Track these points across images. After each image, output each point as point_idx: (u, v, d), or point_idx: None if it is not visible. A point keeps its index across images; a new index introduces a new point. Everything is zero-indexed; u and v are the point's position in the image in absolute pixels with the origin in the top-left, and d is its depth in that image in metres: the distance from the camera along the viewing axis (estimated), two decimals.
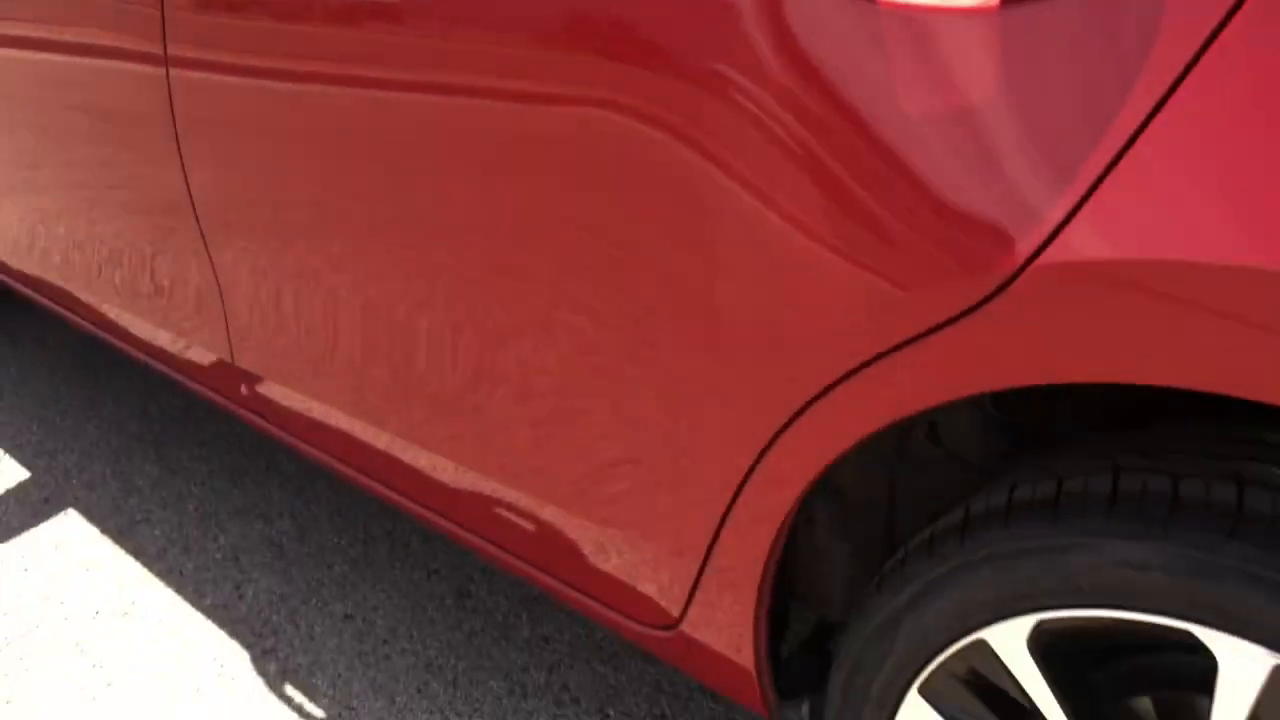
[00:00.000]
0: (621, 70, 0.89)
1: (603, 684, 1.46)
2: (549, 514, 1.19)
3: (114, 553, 1.73)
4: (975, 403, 0.97)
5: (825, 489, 1.00)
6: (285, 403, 1.47)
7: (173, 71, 1.34)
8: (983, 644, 0.87)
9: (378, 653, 1.52)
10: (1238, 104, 0.63)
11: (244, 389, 1.54)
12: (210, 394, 1.63)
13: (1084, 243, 0.68)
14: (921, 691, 0.94)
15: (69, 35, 1.52)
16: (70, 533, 1.79)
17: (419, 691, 1.46)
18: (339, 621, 1.58)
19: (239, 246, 1.39)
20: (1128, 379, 0.70)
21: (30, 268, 1.94)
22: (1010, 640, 0.85)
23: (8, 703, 1.46)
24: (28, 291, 2.02)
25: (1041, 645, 0.85)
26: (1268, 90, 0.62)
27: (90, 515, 1.83)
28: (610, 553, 1.15)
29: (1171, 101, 0.65)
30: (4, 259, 2.02)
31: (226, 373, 1.55)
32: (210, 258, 1.45)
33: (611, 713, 1.42)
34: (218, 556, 1.72)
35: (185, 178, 1.42)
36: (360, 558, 1.71)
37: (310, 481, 1.89)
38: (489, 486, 1.24)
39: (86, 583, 1.67)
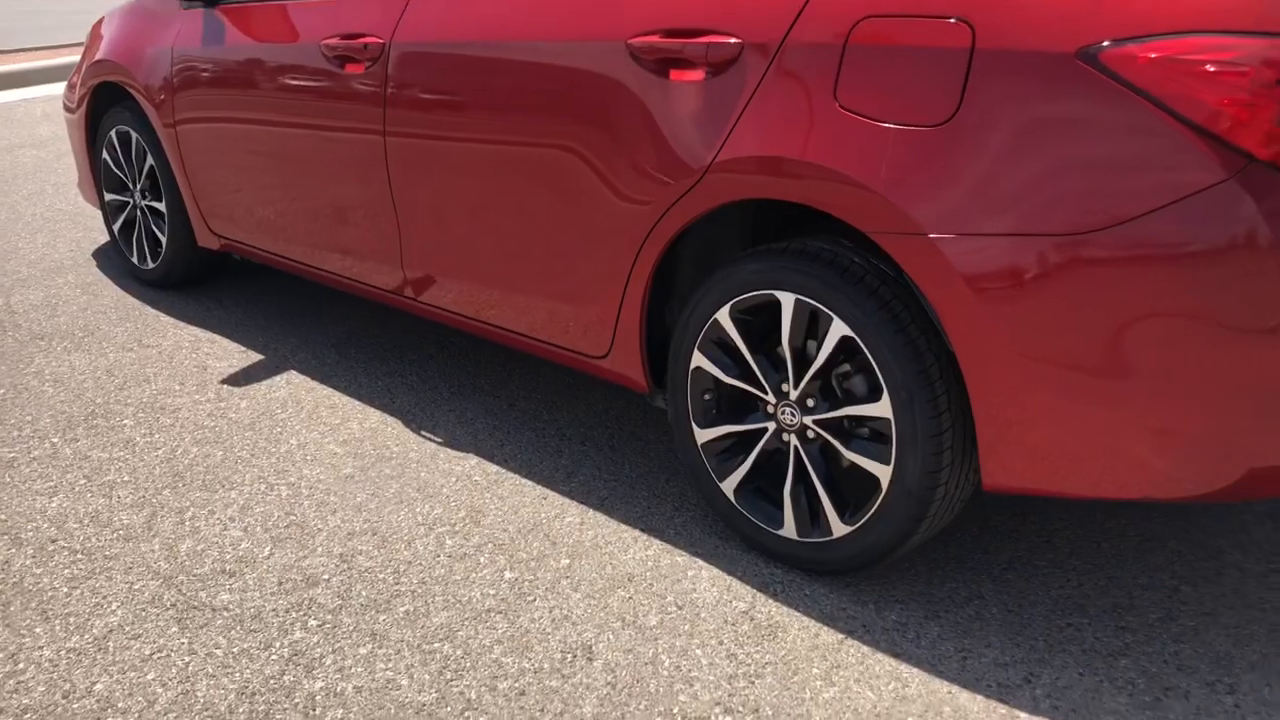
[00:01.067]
0: (548, 124, 2.36)
1: (582, 407, 2.86)
2: (533, 306, 2.62)
3: (320, 394, 3.17)
4: (736, 225, 2.39)
5: (667, 279, 2.43)
6: (426, 295, 2.92)
7: (389, 137, 2.83)
8: (715, 321, 2.28)
9: (525, 421, 2.93)
10: (775, 113, 2.08)
11: (405, 285, 3.00)
12: (378, 295, 3.09)
13: (727, 155, 2.13)
14: (699, 348, 2.34)
15: (321, 116, 3.03)
16: (286, 380, 3.22)
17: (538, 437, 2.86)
18: (487, 398, 2.99)
19: (413, 216, 2.86)
20: (768, 195, 2.13)
21: (270, 245, 3.43)
22: (724, 316, 2.26)
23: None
24: (264, 257, 3.50)
25: (734, 316, 2.26)
26: (782, 107, 2.07)
27: (301, 372, 3.27)
28: (569, 322, 2.57)
29: (751, 106, 2.10)
30: (259, 242, 3.50)
31: (396, 279, 3.01)
32: (398, 222, 2.92)
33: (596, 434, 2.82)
34: (379, 382, 3.15)
35: (390, 183, 2.90)
36: (472, 387, 3.13)
37: (428, 335, 3.33)
38: (504, 301, 2.68)
39: (305, 414, 3.10)
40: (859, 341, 2.05)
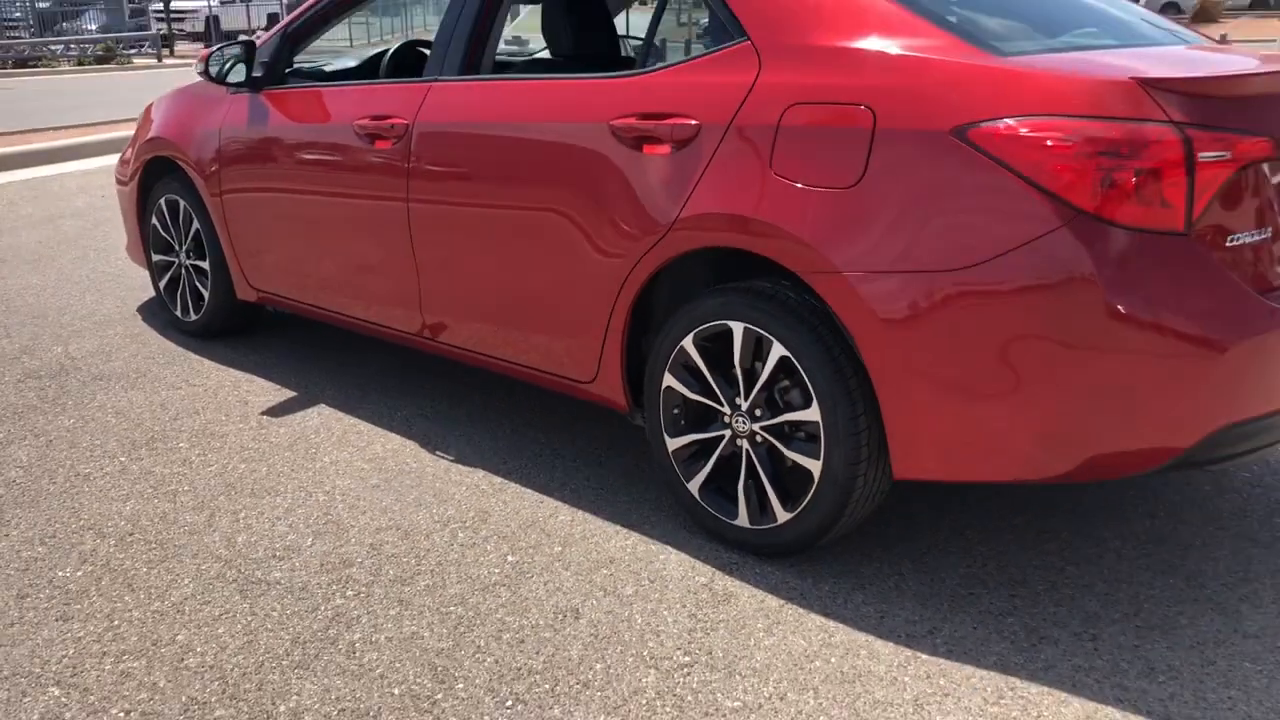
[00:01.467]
0: (544, 190, 2.89)
1: (564, 425, 3.35)
2: (531, 342, 3.12)
3: (346, 421, 3.66)
4: (701, 268, 2.89)
5: (645, 315, 2.94)
6: (442, 335, 3.43)
7: (412, 203, 3.36)
8: (682, 347, 2.78)
9: (512, 432, 3.42)
10: (725, 179, 2.61)
11: (424, 328, 3.50)
12: (399, 337, 3.60)
13: (689, 213, 2.65)
14: (669, 370, 2.83)
15: (348, 186, 3.56)
16: (317, 412, 3.71)
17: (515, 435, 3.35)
18: (492, 424, 3.48)
19: (431, 269, 3.37)
20: (722, 245, 2.64)
21: (303, 296, 3.94)
22: (689, 343, 2.76)
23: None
24: (301, 308, 4.01)
25: (697, 343, 2.76)
26: (730, 175, 2.60)
27: (330, 405, 3.76)
28: (561, 354, 3.07)
29: (706, 174, 2.63)
30: (295, 294, 4.02)
31: (415, 324, 3.51)
32: (418, 271, 3.43)
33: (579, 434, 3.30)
34: (398, 416, 3.64)
35: (411, 242, 3.42)
36: (479, 407, 3.63)
37: (449, 373, 3.83)
38: (507, 338, 3.18)
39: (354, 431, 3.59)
40: (794, 361, 2.54)
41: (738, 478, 2.74)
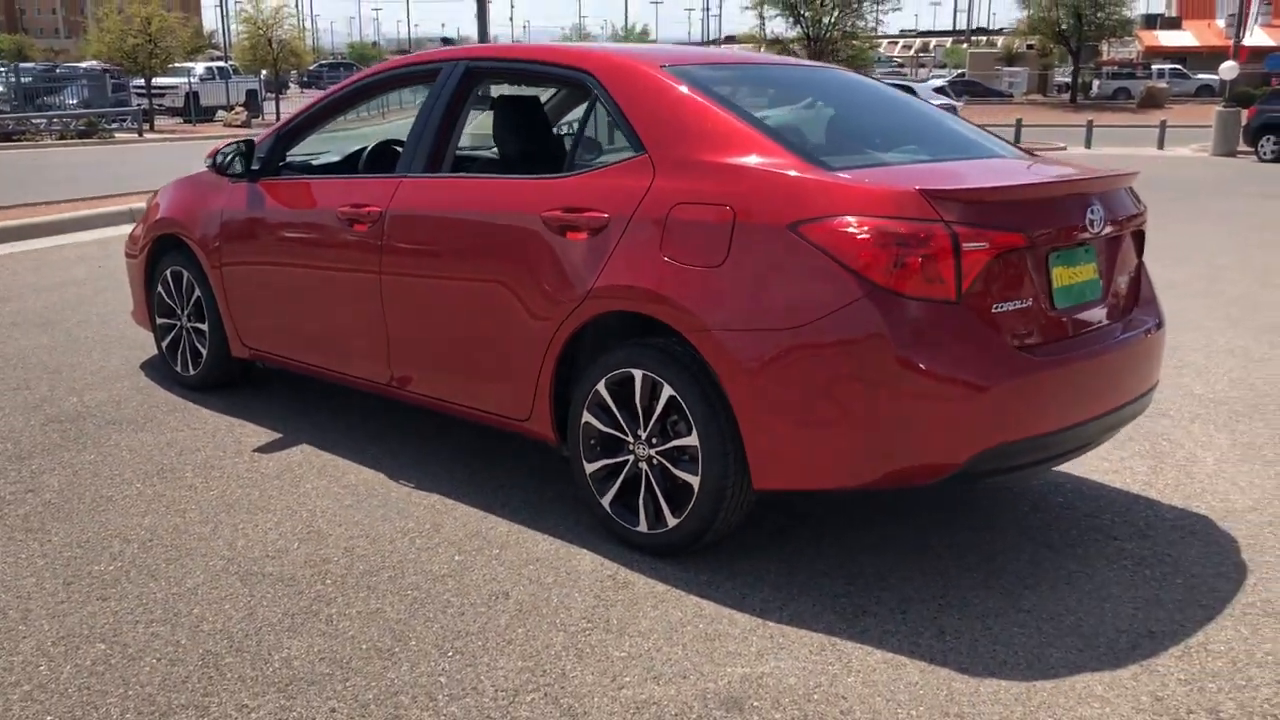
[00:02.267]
0: (490, 266, 3.66)
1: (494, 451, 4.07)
2: (480, 389, 3.86)
3: (331, 461, 4.37)
4: (617, 325, 3.63)
5: (570, 364, 3.68)
6: (407, 386, 4.15)
7: (384, 275, 4.11)
8: (597, 390, 3.52)
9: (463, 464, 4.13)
10: (627, 259, 3.37)
11: (391, 379, 4.23)
12: (371, 387, 4.32)
13: (601, 284, 3.41)
14: (587, 409, 3.57)
15: (330, 261, 4.32)
16: (300, 449, 4.41)
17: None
18: (447, 461, 4.19)
19: (398, 329, 4.11)
20: (625, 309, 3.40)
21: (290, 352, 4.66)
22: (602, 387, 3.50)
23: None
24: (288, 363, 4.73)
25: (608, 387, 3.50)
26: (631, 256, 3.37)
27: (311, 444, 4.46)
28: (503, 398, 3.81)
29: (613, 255, 3.39)
30: (282, 351, 4.74)
31: (384, 376, 4.24)
32: (387, 331, 4.17)
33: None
34: (365, 446, 4.35)
35: (383, 308, 4.16)
36: (434, 441, 4.34)
37: (404, 417, 4.55)
38: (460, 387, 3.91)
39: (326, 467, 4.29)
40: (680, 399, 3.29)
41: (639, 493, 3.46)
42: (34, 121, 26.72)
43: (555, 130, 4.44)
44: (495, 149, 4.52)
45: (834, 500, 3.89)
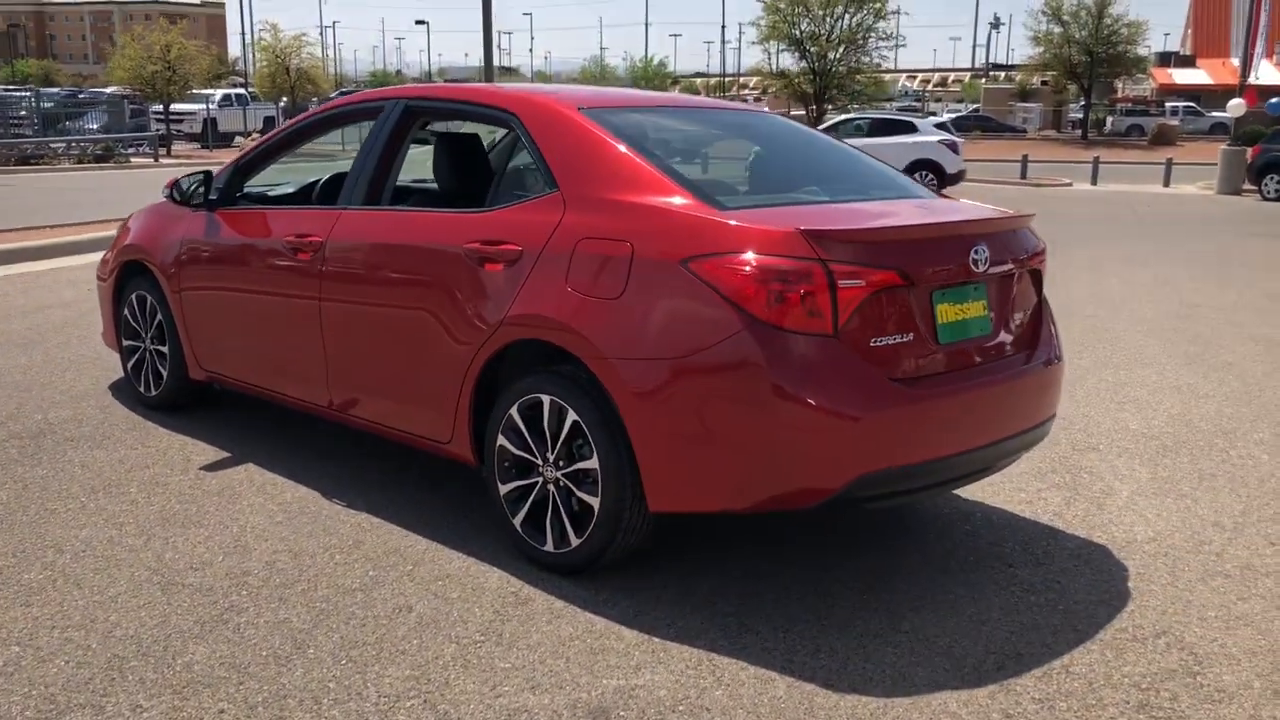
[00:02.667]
0: (417, 294, 3.84)
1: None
2: (409, 412, 4.03)
3: (272, 477, 4.54)
4: (529, 352, 3.80)
5: (488, 387, 3.85)
6: (342, 403, 4.34)
7: (324, 301, 4.31)
8: (510, 415, 3.69)
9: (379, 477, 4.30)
10: (536, 290, 3.55)
11: (331, 402, 4.41)
12: (316, 410, 4.50)
13: (513, 313, 3.59)
14: (501, 432, 3.73)
15: (276, 287, 4.51)
16: (245, 468, 4.59)
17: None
18: (377, 481, 4.36)
19: (336, 354, 4.30)
20: (534, 337, 3.58)
21: (242, 375, 4.86)
22: (515, 411, 3.67)
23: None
24: (241, 386, 4.92)
25: (520, 412, 3.66)
26: (540, 287, 3.55)
27: (257, 464, 4.64)
28: (429, 421, 3.98)
29: (525, 286, 3.57)
30: (236, 374, 4.93)
31: (325, 398, 4.42)
32: (326, 355, 4.36)
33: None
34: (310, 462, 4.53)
35: (322, 333, 4.35)
36: (371, 450, 4.52)
37: (346, 437, 4.72)
38: (391, 410, 4.09)
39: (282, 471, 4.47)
40: (582, 424, 3.46)
41: (547, 514, 3.62)
42: (52, 146, 27.24)
43: (487, 167, 4.62)
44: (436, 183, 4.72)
45: (741, 523, 4.04)
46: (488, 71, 20.38)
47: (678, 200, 3.40)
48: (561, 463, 3.56)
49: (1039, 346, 3.85)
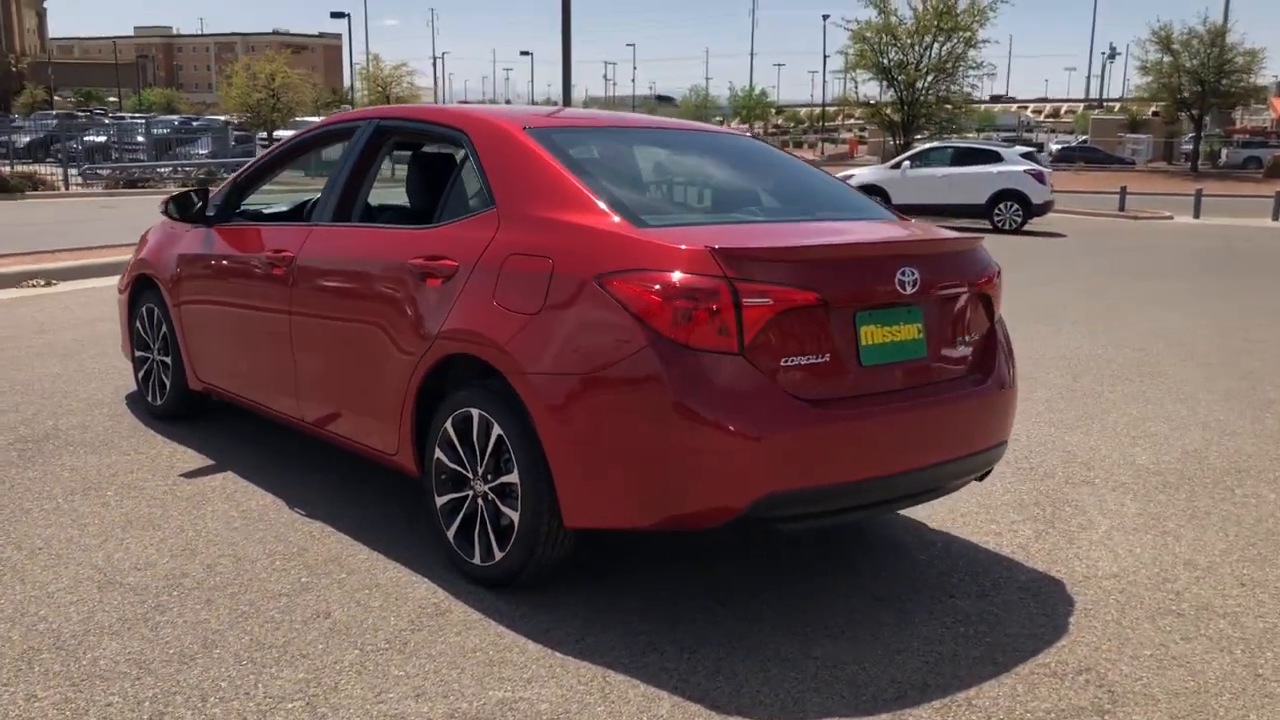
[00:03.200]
0: (370, 307, 3.92)
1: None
2: (364, 425, 4.10)
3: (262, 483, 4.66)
4: (463, 366, 3.84)
5: (430, 400, 3.90)
6: (310, 416, 4.44)
7: (293, 315, 4.42)
8: (445, 428, 3.73)
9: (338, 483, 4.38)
10: (468, 305, 3.60)
11: (304, 416, 4.51)
12: (287, 420, 4.61)
13: (447, 328, 3.64)
14: (437, 446, 3.78)
15: (256, 301, 4.64)
16: (224, 476, 4.72)
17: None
18: (335, 492, 4.44)
19: (305, 364, 4.41)
20: (465, 352, 3.62)
21: (229, 387, 5.00)
22: (449, 425, 3.71)
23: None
24: (229, 397, 5.07)
25: (453, 425, 3.70)
26: (471, 302, 3.59)
27: (236, 472, 4.77)
28: (382, 434, 4.05)
29: (458, 300, 3.62)
30: (225, 385, 5.08)
31: (300, 414, 4.53)
32: (295, 369, 4.47)
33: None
34: (287, 472, 4.63)
35: (291, 345, 4.46)
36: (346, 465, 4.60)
37: (331, 455, 4.82)
38: (350, 422, 4.17)
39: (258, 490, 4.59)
40: (505, 438, 3.48)
41: (475, 527, 3.65)
42: (159, 170, 28.41)
43: (443, 184, 4.70)
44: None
45: (679, 543, 4.00)
46: (565, 99, 20.67)
47: (599, 218, 3.42)
48: (489, 476, 3.58)
49: (987, 371, 3.75)
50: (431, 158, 4.52)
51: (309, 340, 4.34)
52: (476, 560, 3.64)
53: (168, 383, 5.51)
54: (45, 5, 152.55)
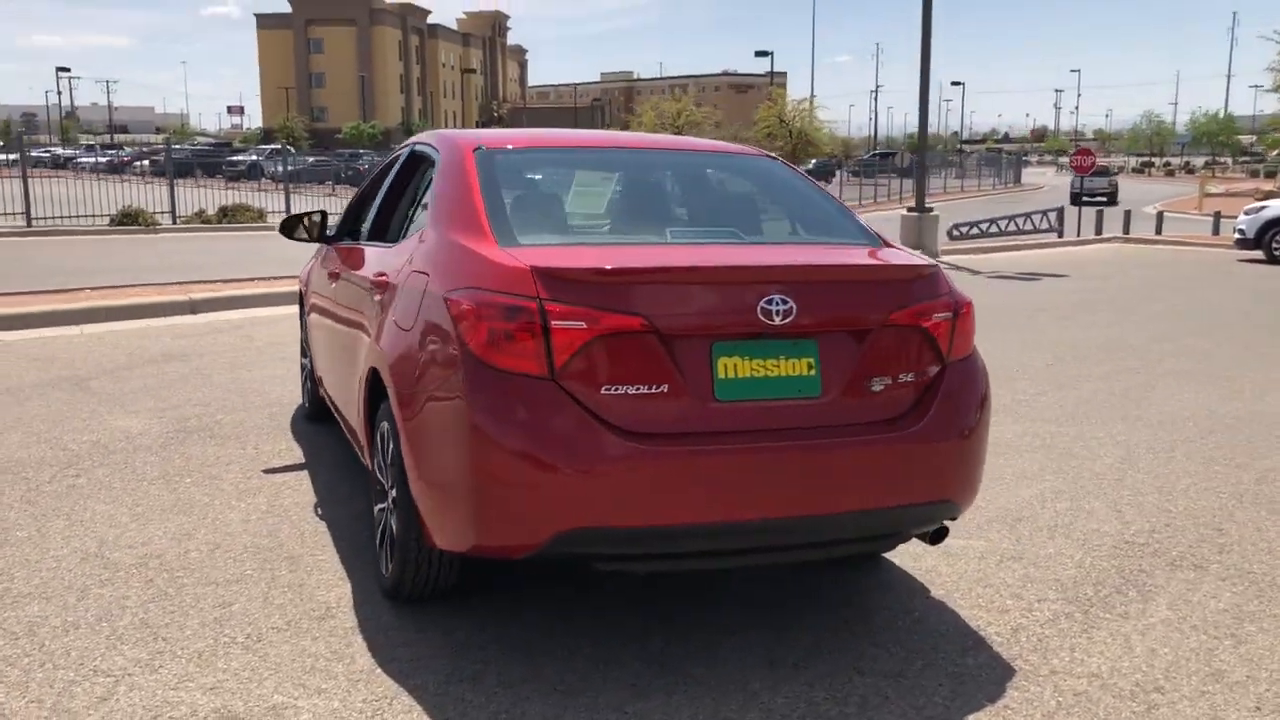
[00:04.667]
0: (349, 319, 4.09)
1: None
2: (353, 429, 4.27)
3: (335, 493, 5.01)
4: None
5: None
6: (350, 428, 4.70)
7: (334, 326, 4.72)
8: (376, 440, 3.82)
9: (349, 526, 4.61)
10: (382, 321, 3.68)
11: (350, 428, 4.79)
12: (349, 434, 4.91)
13: (371, 343, 3.74)
14: (375, 456, 3.87)
15: (330, 313, 4.98)
16: (294, 476, 5.09)
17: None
18: (339, 497, 4.69)
19: (341, 376, 4.68)
20: (373, 364, 3.71)
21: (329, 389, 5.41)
22: (377, 438, 3.79)
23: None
24: (324, 396, 5.48)
25: (379, 437, 3.78)
26: (384, 316, 3.67)
27: (312, 475, 5.13)
28: (359, 439, 4.20)
29: (384, 314, 3.71)
30: (325, 386, 5.49)
31: (347, 425, 4.81)
32: (347, 380, 4.76)
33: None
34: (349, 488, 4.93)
35: (350, 352, 4.76)
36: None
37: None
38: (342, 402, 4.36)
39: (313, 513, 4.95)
40: (396, 453, 3.51)
41: (383, 539, 3.70)
42: None
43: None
44: None
45: (619, 578, 3.80)
46: (921, 133, 19.98)
47: (476, 237, 3.36)
48: (393, 489, 3.63)
49: (921, 417, 3.24)
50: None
51: (330, 348, 4.62)
52: (382, 570, 3.69)
53: (309, 386, 6.03)
54: (527, 57, 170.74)
